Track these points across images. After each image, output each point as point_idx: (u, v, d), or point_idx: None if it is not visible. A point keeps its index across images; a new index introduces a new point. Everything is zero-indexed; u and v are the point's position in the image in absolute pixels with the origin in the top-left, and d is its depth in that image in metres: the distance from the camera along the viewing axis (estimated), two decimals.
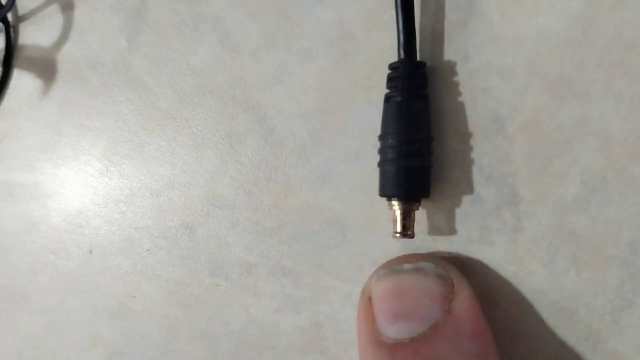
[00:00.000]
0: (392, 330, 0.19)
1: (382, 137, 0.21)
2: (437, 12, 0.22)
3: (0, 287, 0.29)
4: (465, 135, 0.21)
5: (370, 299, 0.20)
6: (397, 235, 0.21)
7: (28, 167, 0.29)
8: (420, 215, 0.22)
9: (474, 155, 0.21)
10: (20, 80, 0.30)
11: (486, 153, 0.21)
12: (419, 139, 0.21)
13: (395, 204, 0.21)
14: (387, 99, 0.21)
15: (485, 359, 0.18)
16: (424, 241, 0.22)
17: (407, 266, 0.20)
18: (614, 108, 0.19)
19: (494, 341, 0.19)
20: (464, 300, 0.19)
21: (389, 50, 0.22)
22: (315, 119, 0.24)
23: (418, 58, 0.21)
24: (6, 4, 0.29)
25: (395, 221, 0.21)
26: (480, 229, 0.21)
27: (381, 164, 0.21)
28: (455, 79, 0.21)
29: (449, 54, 0.22)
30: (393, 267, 0.21)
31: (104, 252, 0.27)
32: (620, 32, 0.19)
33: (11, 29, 0.30)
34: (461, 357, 0.18)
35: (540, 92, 0.20)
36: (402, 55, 0.21)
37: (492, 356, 0.19)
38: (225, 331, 0.25)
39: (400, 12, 0.21)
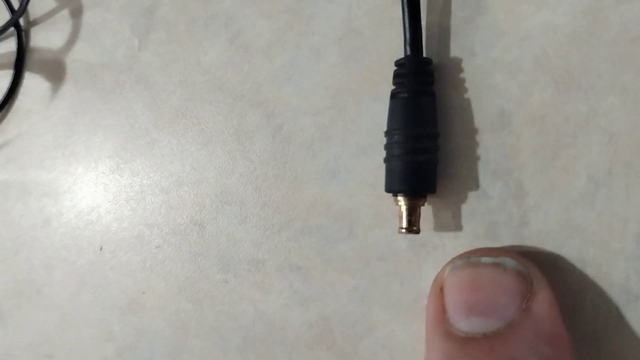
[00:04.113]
0: (465, 324, 0.18)
1: (388, 133, 0.21)
2: (444, 9, 0.22)
3: (14, 282, 0.30)
4: (471, 131, 0.21)
5: (442, 289, 0.20)
6: (403, 231, 0.21)
7: (41, 164, 0.30)
8: (427, 211, 0.22)
9: (480, 150, 0.21)
10: (33, 81, 0.30)
11: (492, 148, 0.21)
12: (425, 135, 0.21)
13: (401, 199, 0.21)
14: (393, 95, 0.21)
15: None
16: (430, 237, 0.22)
17: (486, 259, 0.19)
18: (619, 102, 0.19)
19: (571, 345, 0.18)
20: (542, 300, 0.18)
21: (397, 46, 0.22)
22: (324, 115, 0.24)
23: (424, 54, 0.22)
24: (18, 9, 0.30)
25: (401, 217, 0.21)
26: (486, 224, 0.21)
27: (387, 160, 0.21)
28: (461, 75, 0.22)
29: (455, 50, 0.22)
30: (471, 259, 0.20)
31: (114, 249, 0.28)
32: (625, 27, 0.19)
33: (22, 33, 0.30)
34: (536, 359, 0.17)
35: (547, 86, 0.20)
36: (409, 52, 0.21)
37: None
38: (234, 326, 0.25)
39: (406, 9, 0.21)
